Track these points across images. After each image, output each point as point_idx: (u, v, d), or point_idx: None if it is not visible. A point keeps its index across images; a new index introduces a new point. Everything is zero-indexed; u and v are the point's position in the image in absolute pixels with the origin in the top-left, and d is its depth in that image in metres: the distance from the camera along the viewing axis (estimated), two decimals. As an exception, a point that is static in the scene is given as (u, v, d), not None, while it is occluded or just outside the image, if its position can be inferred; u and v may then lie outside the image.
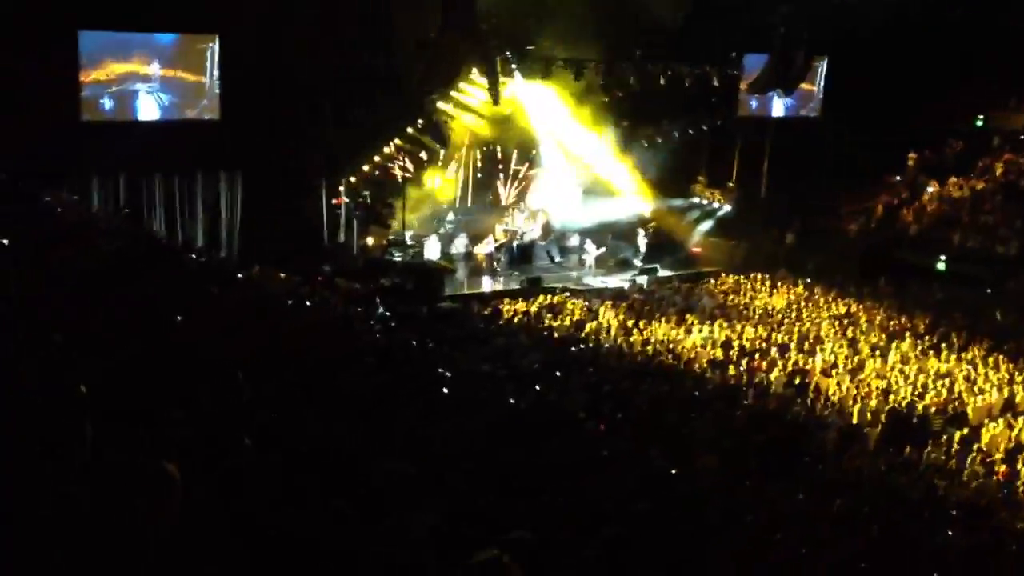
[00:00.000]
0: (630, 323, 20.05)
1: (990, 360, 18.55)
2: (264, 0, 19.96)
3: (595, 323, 20.07)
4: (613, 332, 19.39)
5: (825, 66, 28.86)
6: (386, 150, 24.03)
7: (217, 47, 21.25)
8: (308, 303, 15.52)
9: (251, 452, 4.25)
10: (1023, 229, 24.95)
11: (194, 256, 16.33)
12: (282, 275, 18.68)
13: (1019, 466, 13.48)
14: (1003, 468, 13.43)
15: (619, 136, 26.95)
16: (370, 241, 24.60)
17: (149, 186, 21.39)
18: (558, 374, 14.83)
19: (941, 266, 24.88)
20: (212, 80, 21.34)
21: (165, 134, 20.88)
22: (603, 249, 26.23)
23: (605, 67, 24.70)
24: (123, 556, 2.72)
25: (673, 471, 9.37)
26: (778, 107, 28.83)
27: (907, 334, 20.35)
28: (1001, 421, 15.31)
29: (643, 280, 24.98)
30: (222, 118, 21.38)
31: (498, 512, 5.57)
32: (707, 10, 24.14)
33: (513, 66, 23.86)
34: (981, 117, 30.11)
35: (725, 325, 20.32)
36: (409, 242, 24.72)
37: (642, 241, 26.57)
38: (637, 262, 26.21)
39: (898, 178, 29.11)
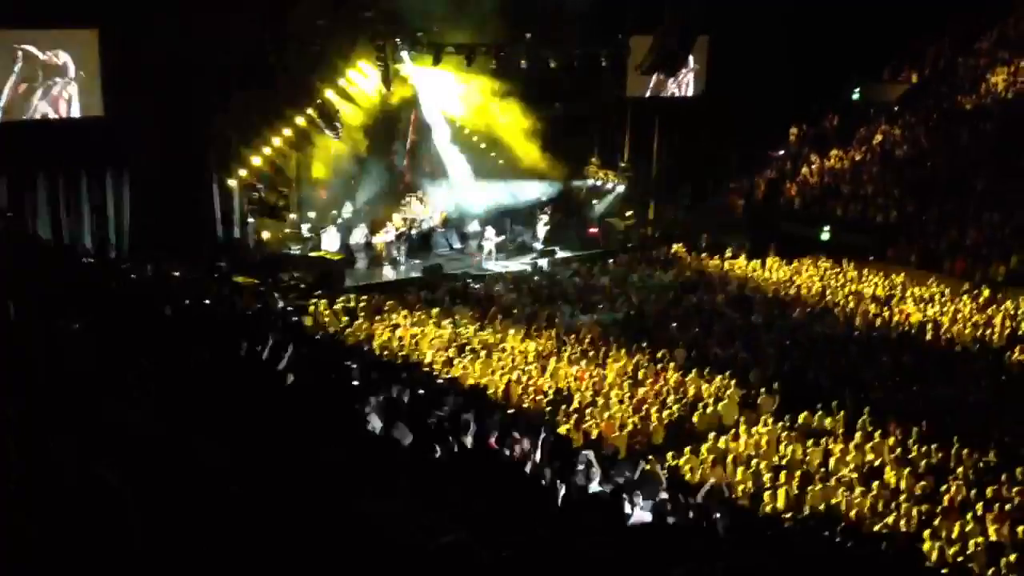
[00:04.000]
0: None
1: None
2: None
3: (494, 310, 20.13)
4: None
5: (707, 45, 29.51)
6: (277, 141, 23.56)
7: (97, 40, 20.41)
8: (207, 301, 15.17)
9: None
10: (900, 197, 26.16)
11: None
12: (176, 274, 18.17)
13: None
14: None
15: (513, 119, 26.99)
16: (266, 235, 24.12)
17: (32, 187, 20.50)
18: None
19: (825, 236, 25.87)
20: (95, 75, 20.51)
21: (48, 132, 20.03)
22: (503, 236, 26.30)
23: (496, 51, 24.72)
24: None
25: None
26: (665, 86, 29.38)
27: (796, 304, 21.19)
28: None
29: (543, 263, 25.19)
30: (106, 114, 20.60)
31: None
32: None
33: (403, 52, 23.73)
34: (857, 90, 31.38)
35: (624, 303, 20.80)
36: (307, 235, 24.32)
37: (540, 225, 26.79)
38: (537, 245, 26.41)
39: (781, 152, 30.11)
